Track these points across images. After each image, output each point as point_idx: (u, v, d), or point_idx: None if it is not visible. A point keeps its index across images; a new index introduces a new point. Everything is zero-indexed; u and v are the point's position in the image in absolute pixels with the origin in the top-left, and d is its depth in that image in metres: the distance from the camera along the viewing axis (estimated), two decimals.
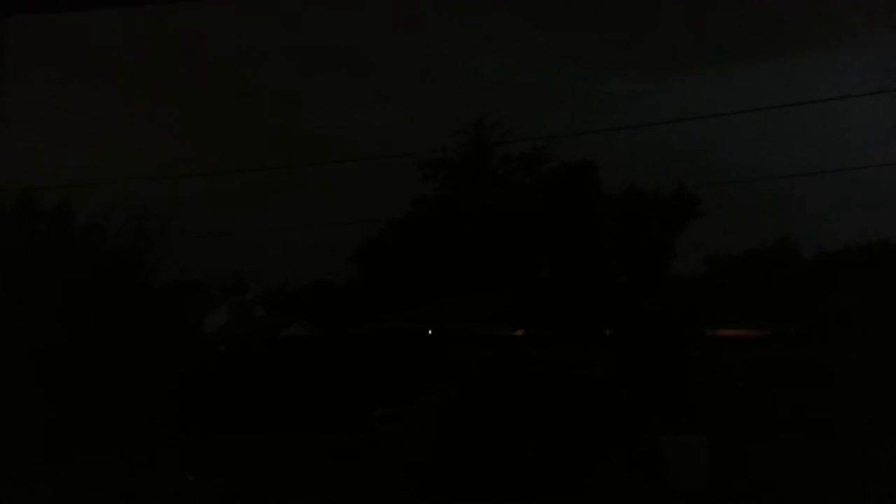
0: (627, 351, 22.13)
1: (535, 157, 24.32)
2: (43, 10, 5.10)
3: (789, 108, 22.68)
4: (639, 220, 23.21)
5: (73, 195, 22.98)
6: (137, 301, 21.50)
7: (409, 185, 25.14)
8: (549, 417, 18.93)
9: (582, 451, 16.70)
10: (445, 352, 22.86)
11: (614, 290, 23.65)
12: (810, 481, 14.41)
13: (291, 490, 14.61)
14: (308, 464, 16.76)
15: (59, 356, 18.91)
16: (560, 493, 14.29)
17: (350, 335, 27.27)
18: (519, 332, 24.44)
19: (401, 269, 26.94)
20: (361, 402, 20.53)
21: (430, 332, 24.89)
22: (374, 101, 45.01)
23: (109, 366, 19.51)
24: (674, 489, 13.96)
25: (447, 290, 25.63)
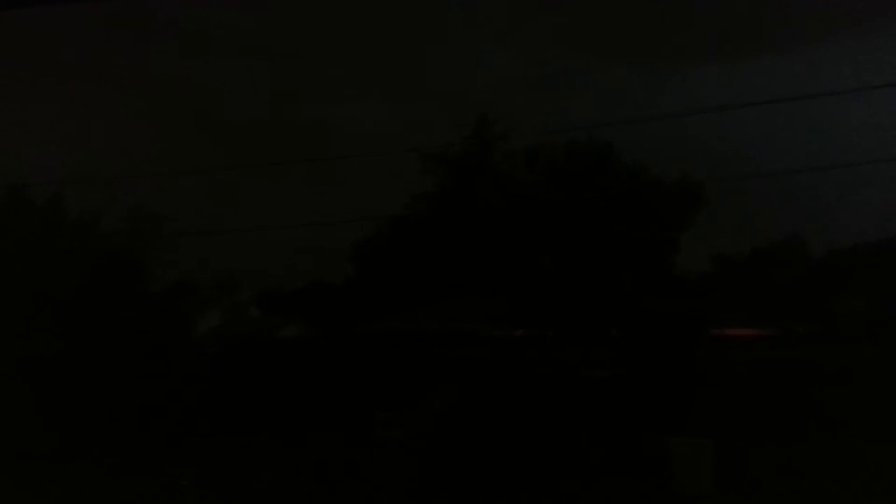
0: (633, 351, 21.86)
1: (538, 153, 24.03)
2: (35, 3, 4.78)
3: (799, 101, 22.24)
4: (644, 213, 22.93)
5: (66, 192, 22.81)
6: (131, 301, 21.35)
7: (410, 183, 24.91)
8: (552, 420, 18.65)
9: (586, 453, 16.46)
10: (446, 353, 22.60)
11: (619, 289, 23.35)
12: (817, 483, 14.14)
13: (289, 494, 14.38)
14: (307, 468, 16.49)
15: (51, 359, 18.79)
16: (564, 495, 14.04)
17: (349, 337, 27.02)
18: (521, 333, 24.16)
19: (400, 268, 26.72)
20: (361, 405, 20.21)
21: (430, 333, 24.59)
22: (373, 96, 44.92)
23: (101, 368, 19.36)
24: (680, 491, 13.74)
25: (448, 289, 25.38)
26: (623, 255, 23.50)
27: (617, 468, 15.41)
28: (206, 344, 26.76)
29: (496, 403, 19.43)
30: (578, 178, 23.32)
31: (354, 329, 27.69)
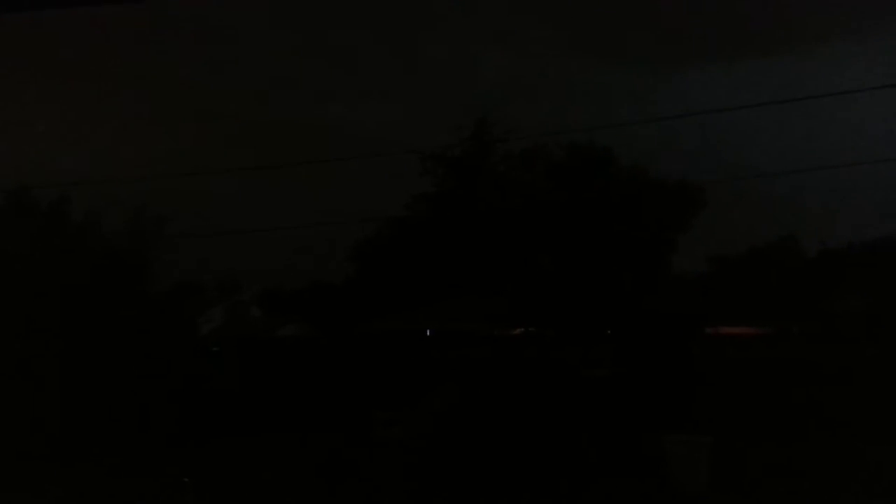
0: (630, 350, 21.93)
1: (537, 154, 24.10)
2: (35, 7, 4.90)
3: (793, 102, 22.41)
4: (643, 214, 23.02)
5: (69, 194, 22.88)
6: (133, 301, 21.38)
7: (409, 183, 24.96)
8: (551, 418, 18.74)
9: (585, 452, 16.53)
10: (446, 353, 22.66)
11: (617, 289, 23.44)
12: (814, 482, 14.20)
13: (289, 494, 14.45)
14: (307, 467, 16.57)
15: (55, 357, 18.83)
16: (562, 494, 14.10)
17: (349, 336, 27.08)
18: (520, 332, 24.23)
19: (400, 268, 26.76)
20: (361, 404, 20.30)
21: (429, 332, 24.67)
22: (374, 97, 44.88)
23: (105, 367, 19.40)
24: (676, 490, 13.78)
25: (447, 289, 25.42)
26: (621, 255, 23.60)
27: (615, 467, 15.47)
28: (207, 343, 26.80)
29: (496, 403, 19.51)
30: (577, 179, 23.43)
31: (355, 329, 27.75)
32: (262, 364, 23.25)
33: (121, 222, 23.24)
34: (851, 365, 20.72)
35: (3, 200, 22.42)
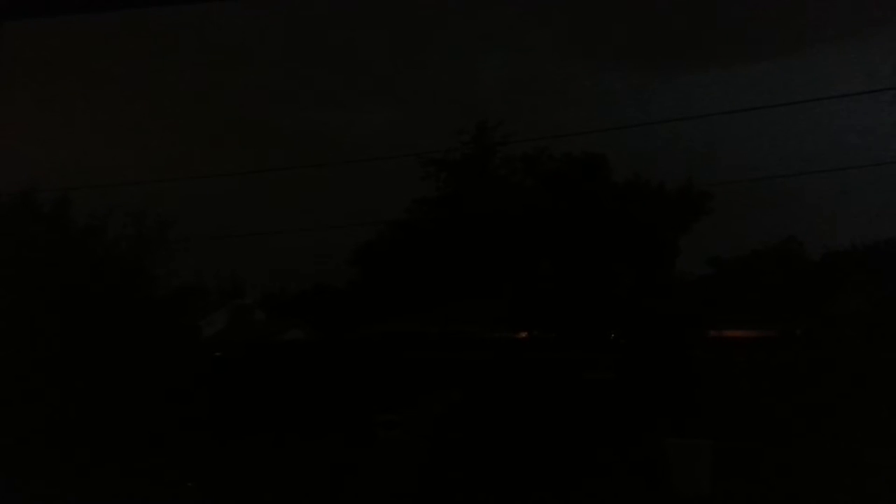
0: (632, 353, 21.94)
1: (538, 157, 24.11)
2: (41, 12, 4.95)
3: (797, 105, 22.37)
4: (644, 218, 23.00)
5: (72, 197, 22.89)
6: (135, 305, 21.41)
7: (411, 187, 24.95)
8: (553, 421, 18.78)
9: (586, 455, 16.55)
10: (447, 356, 22.64)
11: (618, 292, 23.43)
12: (816, 485, 14.23)
13: (291, 497, 14.49)
14: (308, 470, 16.60)
15: (58, 361, 18.87)
16: (563, 497, 14.14)
17: (350, 339, 27.09)
18: (522, 335, 24.24)
19: (402, 272, 26.76)
20: (362, 407, 20.33)
21: (431, 335, 24.65)
22: (374, 100, 44.80)
23: (108, 371, 19.44)
24: (678, 493, 13.82)
25: (449, 292, 25.43)
26: (624, 258, 23.61)
27: (616, 469, 15.50)
28: (210, 347, 26.80)
29: (497, 406, 19.54)
30: (579, 183, 23.45)
31: (357, 332, 27.74)
32: (264, 367, 23.25)
33: (123, 226, 23.25)
34: (852, 367, 20.70)
35: (6, 203, 22.43)
